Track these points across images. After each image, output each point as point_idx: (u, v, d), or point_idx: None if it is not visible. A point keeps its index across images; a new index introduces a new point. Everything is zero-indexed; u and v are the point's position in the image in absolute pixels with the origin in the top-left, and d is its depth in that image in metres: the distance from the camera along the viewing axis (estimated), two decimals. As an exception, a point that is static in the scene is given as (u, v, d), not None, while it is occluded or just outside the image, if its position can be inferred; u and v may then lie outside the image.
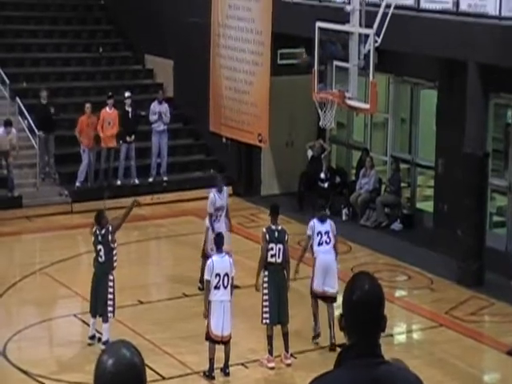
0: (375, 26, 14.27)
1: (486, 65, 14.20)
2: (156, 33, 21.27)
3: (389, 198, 17.58)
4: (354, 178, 18.77)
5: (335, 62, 16.24)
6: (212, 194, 13.66)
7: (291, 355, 11.79)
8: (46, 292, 14.13)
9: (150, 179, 19.24)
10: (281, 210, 18.37)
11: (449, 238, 14.46)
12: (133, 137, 18.68)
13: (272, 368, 11.61)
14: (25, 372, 11.32)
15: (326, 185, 18.34)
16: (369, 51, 15.50)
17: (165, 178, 19.33)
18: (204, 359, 11.44)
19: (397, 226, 17.28)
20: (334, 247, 12.52)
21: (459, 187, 14.89)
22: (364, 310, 3.24)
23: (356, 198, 17.82)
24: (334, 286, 12.21)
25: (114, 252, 12.01)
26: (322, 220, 12.58)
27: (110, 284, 11.71)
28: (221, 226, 13.59)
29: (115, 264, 11.97)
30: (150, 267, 16.65)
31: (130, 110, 18.89)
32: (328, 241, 12.47)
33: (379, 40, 15.18)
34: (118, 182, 18.87)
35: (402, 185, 17.97)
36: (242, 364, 11.67)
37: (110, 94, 18.77)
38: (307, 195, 18.47)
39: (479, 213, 14.71)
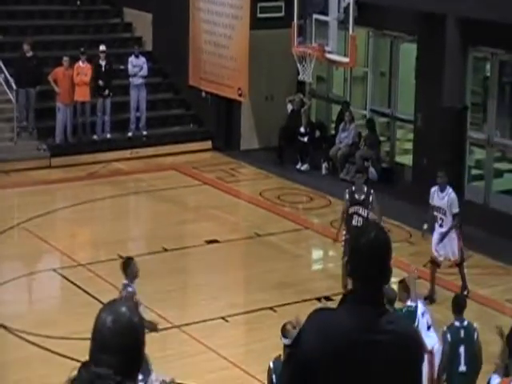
0: (355, -22, 14.16)
1: (464, 18, 14.15)
2: (134, -15, 21.00)
3: (368, 152, 17.60)
4: (333, 132, 18.76)
5: (315, 16, 16.14)
6: (433, 189, 12.42)
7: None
8: (25, 247, 14.09)
9: (130, 134, 19.14)
10: (260, 164, 18.50)
11: (428, 192, 14.50)
12: (106, 91, 18.51)
13: None
14: (4, 326, 11.32)
15: (305, 139, 18.32)
16: (348, 4, 15.40)
17: (144, 133, 19.23)
18: (185, 313, 11.50)
19: (373, 175, 17.25)
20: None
21: (438, 141, 14.93)
22: (369, 255, 3.26)
23: (336, 152, 17.83)
24: None
25: None
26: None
27: None
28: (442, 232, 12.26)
29: None
30: (129, 222, 16.64)
31: (103, 63, 18.72)
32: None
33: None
34: (95, 137, 18.76)
35: (382, 138, 17.98)
36: (223, 318, 11.74)
37: (83, 49, 18.57)
38: (287, 149, 18.47)
39: (458, 166, 14.78)
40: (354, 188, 12.15)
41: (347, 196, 12.10)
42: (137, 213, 17.48)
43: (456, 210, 12.20)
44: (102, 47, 18.85)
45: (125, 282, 9.72)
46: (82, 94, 18.36)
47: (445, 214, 12.24)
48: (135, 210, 17.59)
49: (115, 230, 15.03)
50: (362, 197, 11.98)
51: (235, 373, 10.41)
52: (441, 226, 12.30)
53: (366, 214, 11.97)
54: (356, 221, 11.94)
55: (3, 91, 18.37)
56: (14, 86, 18.16)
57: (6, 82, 18.39)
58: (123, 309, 2.95)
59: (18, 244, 14.23)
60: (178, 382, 9.45)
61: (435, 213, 12.32)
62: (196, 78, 19.69)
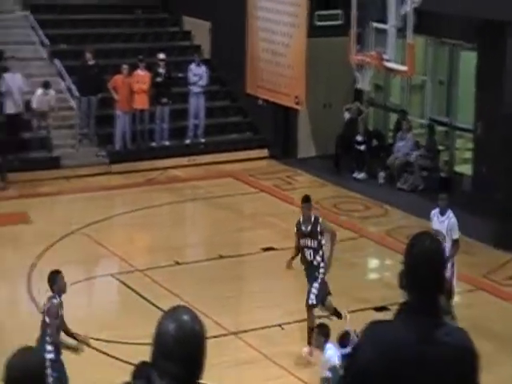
0: (414, -14, 14.08)
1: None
2: (193, -6, 21.20)
3: (426, 161, 17.46)
4: (391, 140, 18.66)
5: (373, 24, 16.08)
6: (433, 211, 11.74)
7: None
8: (85, 252, 14.30)
9: (187, 141, 19.31)
10: (317, 172, 18.48)
11: (487, 201, 14.37)
12: (165, 99, 18.69)
13: None
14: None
15: (362, 147, 18.25)
16: (407, 12, 15.32)
17: (202, 140, 19.38)
18: (241, 320, 11.54)
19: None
20: None
21: (498, 149, 14.74)
22: (423, 265, 3.25)
23: (393, 160, 17.73)
24: None
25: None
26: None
27: None
28: None
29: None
30: (186, 228, 16.78)
31: (163, 71, 18.92)
32: None
33: (418, 0, 14.99)
34: (153, 144, 18.98)
35: (440, 148, 17.83)
36: (279, 325, 11.75)
37: (141, 57, 18.82)
38: (344, 158, 18.43)
39: (518, 176, 14.57)
40: (301, 219, 11.05)
41: (295, 229, 11.08)
42: (194, 219, 17.61)
43: (456, 235, 11.41)
44: (161, 55, 19.07)
45: (51, 294, 9.18)
46: (141, 102, 18.59)
47: (444, 238, 11.32)
48: (192, 217, 17.73)
49: (172, 237, 15.17)
50: (309, 228, 10.93)
51: (290, 381, 10.41)
52: None
53: (315, 246, 10.96)
54: (308, 254, 10.98)
55: (66, 99, 18.71)
56: (77, 94, 18.48)
57: (69, 89, 18.73)
58: (186, 317, 2.97)
59: (77, 249, 14.42)
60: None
61: None
62: (253, 86, 19.77)
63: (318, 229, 10.94)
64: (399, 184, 17.48)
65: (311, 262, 11.00)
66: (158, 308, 12.09)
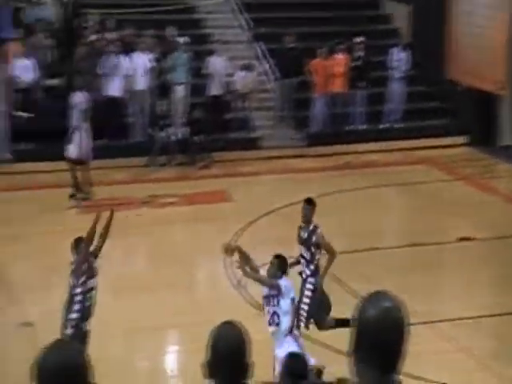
0: None
1: None
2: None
3: None
4: None
5: None
6: None
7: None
8: (280, 232, 14.59)
9: (384, 125, 19.20)
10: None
11: None
12: (363, 83, 18.65)
13: None
14: (256, 307, 11.83)
15: None
16: None
17: (399, 125, 19.21)
18: (431, 309, 11.42)
19: None
20: None
21: None
22: None
23: None
24: None
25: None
26: None
27: None
28: None
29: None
30: (379, 214, 16.70)
31: (361, 55, 18.88)
32: None
33: None
34: (350, 128, 19.03)
35: None
36: (471, 318, 11.52)
37: (340, 40, 18.87)
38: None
39: None
40: (302, 222, 9.48)
41: (297, 233, 9.54)
42: (388, 205, 17.51)
43: None
44: (360, 39, 19.05)
45: None
46: (339, 85, 18.69)
47: None
48: (386, 203, 17.62)
49: (364, 222, 15.16)
50: (306, 235, 9.44)
51: (485, 376, 10.19)
52: None
53: (309, 257, 9.39)
54: (302, 265, 9.36)
55: (265, 81, 19.12)
56: (276, 76, 18.85)
57: (268, 72, 19.13)
58: (388, 303, 2.97)
59: (274, 229, 14.70)
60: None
61: None
62: (454, 71, 19.34)
63: (313, 240, 9.40)
64: None
65: (300, 273, 9.50)
66: (351, 291, 12.19)
